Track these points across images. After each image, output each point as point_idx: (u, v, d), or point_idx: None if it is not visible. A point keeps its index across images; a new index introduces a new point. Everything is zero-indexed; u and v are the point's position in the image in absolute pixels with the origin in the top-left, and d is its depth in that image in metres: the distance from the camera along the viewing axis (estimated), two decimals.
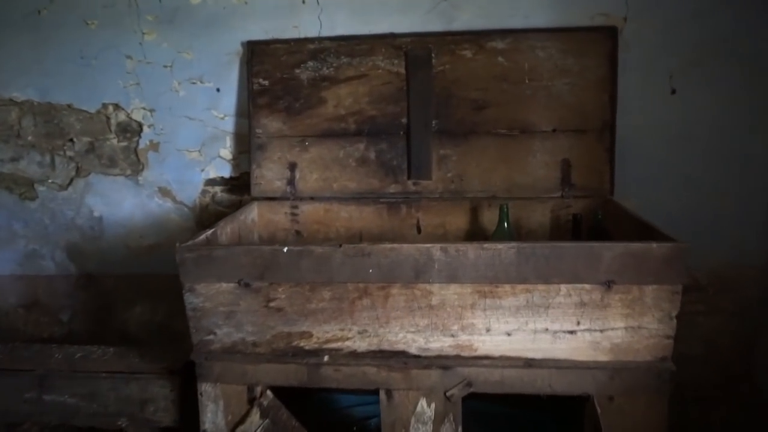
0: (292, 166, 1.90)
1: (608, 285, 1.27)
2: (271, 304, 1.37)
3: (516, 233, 1.77)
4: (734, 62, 1.78)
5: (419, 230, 1.86)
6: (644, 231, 1.40)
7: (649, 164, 1.86)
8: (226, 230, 1.61)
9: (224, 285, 1.37)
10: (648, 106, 1.84)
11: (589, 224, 1.61)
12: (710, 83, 1.80)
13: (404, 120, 1.85)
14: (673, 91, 1.83)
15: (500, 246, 1.29)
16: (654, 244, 1.25)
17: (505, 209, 1.66)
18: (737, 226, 1.87)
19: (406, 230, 1.87)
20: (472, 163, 1.83)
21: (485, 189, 1.83)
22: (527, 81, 1.79)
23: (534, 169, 1.81)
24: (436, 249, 1.30)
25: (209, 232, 1.50)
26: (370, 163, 1.87)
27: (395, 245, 1.32)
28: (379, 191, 1.88)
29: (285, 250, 1.34)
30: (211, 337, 1.41)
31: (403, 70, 1.83)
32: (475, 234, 1.84)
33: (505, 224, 1.67)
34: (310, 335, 1.38)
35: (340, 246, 1.33)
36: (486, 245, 1.29)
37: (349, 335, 1.37)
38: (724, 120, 1.82)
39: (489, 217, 1.82)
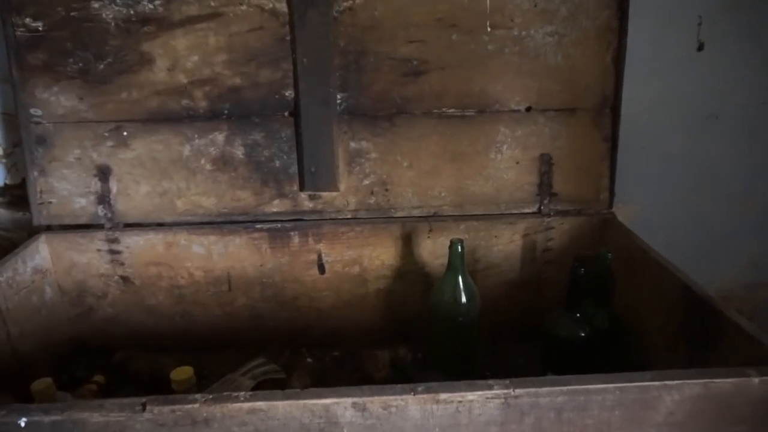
0: (104, 173, 1.13)
1: None
2: None
3: (472, 278, 1.14)
4: None
5: (322, 269, 1.18)
6: (672, 284, 0.82)
7: (657, 156, 1.27)
8: None
9: None
10: (663, 70, 1.21)
11: (589, 271, 1.01)
12: (752, 36, 1.20)
13: (289, 93, 1.11)
14: (701, 47, 1.20)
15: (472, 395, 0.65)
16: (755, 379, 0.66)
17: (459, 250, 1.02)
18: (760, 237, 1.35)
19: (300, 270, 1.18)
20: (402, 162, 1.15)
21: (423, 204, 1.17)
22: (489, 29, 1.09)
23: (498, 170, 1.16)
24: (343, 407, 0.64)
25: None
26: (237, 166, 1.14)
27: (262, 404, 0.64)
28: (255, 211, 1.16)
29: (22, 423, 0.63)
30: None
31: (284, 7, 1.07)
32: (410, 274, 1.19)
33: (459, 276, 1.03)
34: None
35: (143, 407, 0.63)
36: (444, 395, 0.65)
37: None
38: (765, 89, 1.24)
39: (430, 249, 1.17)
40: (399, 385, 0.65)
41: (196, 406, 0.63)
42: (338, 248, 1.17)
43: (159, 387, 1.11)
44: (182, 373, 0.78)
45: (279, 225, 1.15)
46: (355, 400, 0.64)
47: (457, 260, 1.03)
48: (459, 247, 1.02)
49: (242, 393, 0.64)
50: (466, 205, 1.17)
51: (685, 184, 1.29)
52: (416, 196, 1.16)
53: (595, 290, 1.00)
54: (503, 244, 1.18)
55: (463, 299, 1.03)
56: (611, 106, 1.14)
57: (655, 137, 1.25)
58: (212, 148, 1.12)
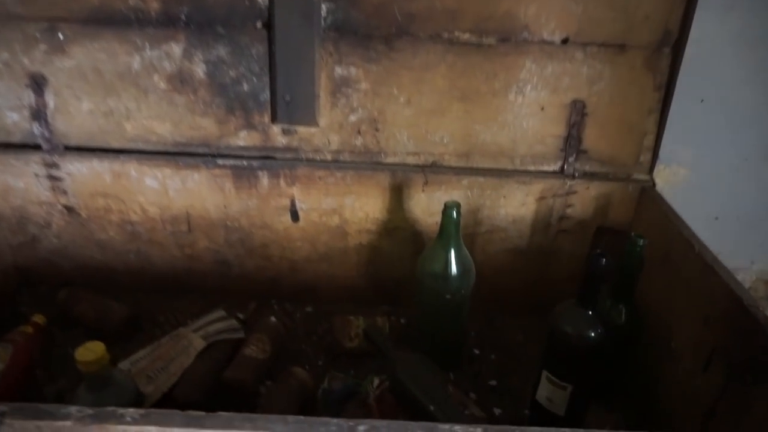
0: (38, 84, 0.94)
1: None
2: None
3: (471, 241, 0.95)
4: None
5: (295, 217, 1.01)
6: (715, 290, 0.63)
7: (719, 111, 1.02)
8: None
9: None
10: (745, 4, 0.94)
11: (610, 262, 0.81)
12: None
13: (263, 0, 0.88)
14: None
15: None
16: None
17: (453, 215, 0.82)
18: None
19: (270, 216, 1.01)
20: (398, 96, 0.93)
21: (420, 150, 0.96)
22: None
23: (517, 116, 0.93)
24: None
25: None
26: (197, 87, 0.93)
27: (153, 429, 0.48)
28: (218, 143, 0.97)
29: None
30: None
31: None
32: (399, 231, 1.01)
33: (451, 246, 0.84)
34: None
35: (1, 417, 0.49)
36: None
37: None
38: None
39: (425, 205, 0.98)
40: (336, 422, 0.49)
41: (69, 423, 0.48)
42: (315, 194, 0.98)
43: (104, 333, 0.99)
44: (89, 352, 0.64)
45: (245, 162, 0.96)
46: None
47: (450, 227, 0.84)
48: (454, 213, 0.82)
49: (131, 411, 0.49)
50: (472, 156, 0.96)
51: (751, 148, 1.04)
52: (413, 140, 0.95)
53: (617, 281, 0.81)
54: (513, 207, 0.98)
55: (453, 273, 0.85)
56: (673, 45, 0.88)
57: (720, 88, 0.99)
58: (167, 63, 0.91)
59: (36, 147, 0.98)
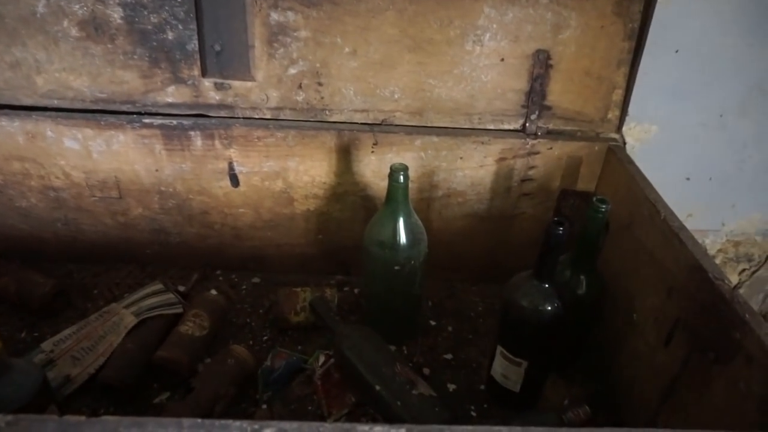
0: None
1: None
2: None
3: (427, 206, 0.88)
4: None
5: (235, 181, 0.92)
6: (679, 259, 0.58)
7: (696, 63, 0.94)
8: None
9: None
10: None
11: (569, 232, 0.74)
12: None
13: None
14: None
15: None
16: None
17: (401, 180, 0.75)
18: None
19: (208, 180, 0.92)
20: (343, 46, 0.83)
21: (369, 106, 0.87)
22: None
23: (474, 68, 0.85)
24: None
25: None
26: (115, 35, 0.82)
27: None
28: (143, 99, 0.87)
29: None
30: None
31: None
32: (348, 196, 0.93)
33: (399, 214, 0.77)
34: None
35: None
36: None
37: None
38: None
39: (375, 167, 0.90)
40: (237, 425, 0.42)
41: None
42: (255, 157, 0.89)
43: (28, 308, 0.91)
44: None
45: (175, 121, 0.87)
46: None
47: (397, 193, 0.76)
48: (401, 177, 0.74)
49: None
50: (426, 113, 0.88)
51: (727, 103, 0.97)
52: (360, 96, 0.86)
53: (578, 249, 0.75)
54: (471, 168, 0.90)
55: (402, 243, 0.78)
56: None
57: (696, 37, 0.91)
58: (77, 6, 0.80)
59: None
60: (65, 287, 0.94)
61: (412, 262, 0.80)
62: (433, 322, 0.94)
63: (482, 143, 0.88)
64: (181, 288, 0.97)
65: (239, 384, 0.80)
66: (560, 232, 0.64)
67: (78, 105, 0.87)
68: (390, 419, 0.74)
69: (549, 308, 0.69)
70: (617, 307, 0.79)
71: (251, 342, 0.90)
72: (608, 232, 0.78)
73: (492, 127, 0.88)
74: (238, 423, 0.42)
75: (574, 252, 0.76)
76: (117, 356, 0.81)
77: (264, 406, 0.80)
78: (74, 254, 1.01)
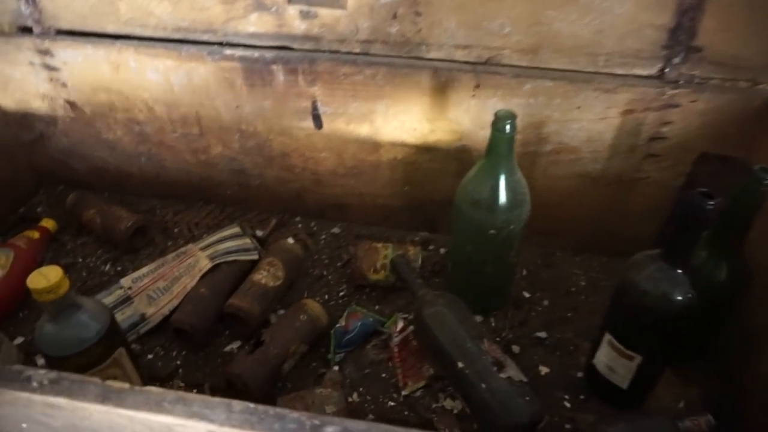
0: None
1: None
2: None
3: (531, 162, 0.76)
4: None
5: (318, 122, 0.84)
6: None
7: None
8: None
9: None
10: None
11: (717, 203, 0.59)
12: None
13: None
14: None
15: None
16: None
17: (506, 130, 0.63)
18: None
19: (289, 120, 0.85)
20: None
21: (473, 42, 0.75)
22: None
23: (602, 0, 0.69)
24: None
25: None
26: None
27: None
28: (224, 28, 0.80)
29: None
30: None
31: None
32: (440, 145, 0.82)
33: (501, 171, 0.66)
34: None
35: None
36: None
37: None
38: None
39: (475, 114, 0.78)
40: (295, 417, 0.35)
41: None
42: (340, 97, 0.81)
43: (112, 242, 0.91)
44: (41, 278, 0.53)
45: (257, 54, 0.79)
46: None
47: (501, 145, 0.65)
48: (507, 126, 0.63)
49: (41, 373, 0.38)
50: (541, 52, 0.74)
51: None
52: (463, 28, 0.74)
53: (721, 227, 0.61)
54: (589, 121, 0.76)
55: (501, 204, 0.67)
56: None
57: None
58: None
59: (27, 30, 0.85)
60: (147, 224, 0.93)
61: (511, 226, 0.69)
62: (526, 294, 0.83)
63: (606, 91, 0.73)
64: (259, 233, 0.93)
65: (310, 342, 0.75)
66: (709, 206, 0.50)
67: (159, 33, 0.81)
68: (471, 402, 0.66)
69: (679, 298, 0.56)
70: (762, 300, 0.64)
71: (326, 296, 0.84)
72: (761, 208, 0.62)
73: (620, 71, 0.73)
74: (295, 415, 0.35)
75: (715, 231, 0.62)
76: (190, 300, 0.78)
77: (335, 368, 0.74)
78: (157, 190, 1.00)
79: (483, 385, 0.63)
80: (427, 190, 0.88)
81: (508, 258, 0.74)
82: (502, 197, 0.67)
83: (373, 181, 0.89)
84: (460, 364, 0.65)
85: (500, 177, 0.66)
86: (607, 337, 0.64)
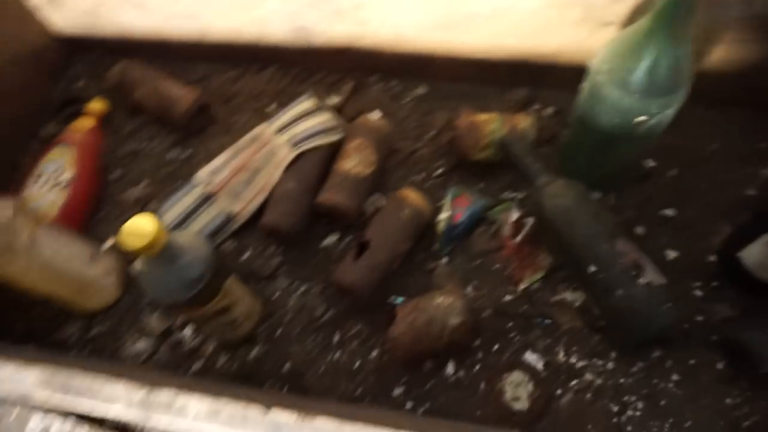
0: None
1: None
2: None
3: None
4: None
5: None
6: None
7: None
8: None
9: None
10: None
11: None
12: None
13: None
14: None
15: None
16: None
17: None
18: None
19: None
20: None
21: None
22: None
23: None
24: None
25: None
26: None
27: None
28: None
29: None
30: None
31: None
32: None
33: (670, 40, 0.50)
34: None
35: None
36: None
37: None
38: None
39: None
40: None
41: None
42: None
43: (169, 124, 0.82)
44: (136, 237, 0.45)
45: None
46: None
47: (668, 11, 0.48)
48: None
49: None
50: None
51: None
52: None
53: None
54: None
55: (660, 87, 0.53)
56: None
57: None
58: None
59: None
60: (207, 100, 0.82)
61: (668, 110, 0.56)
62: (651, 163, 0.73)
63: None
64: (334, 99, 0.81)
65: (416, 237, 0.69)
66: None
67: None
68: (603, 308, 0.61)
69: None
70: None
71: (423, 176, 0.76)
72: None
73: None
74: None
75: None
76: (280, 198, 0.71)
77: (444, 260, 0.70)
78: (204, 54, 0.85)
79: (619, 291, 0.58)
80: (537, 40, 0.72)
81: (648, 142, 0.62)
82: (667, 78, 0.53)
83: (466, 32, 0.73)
84: (593, 268, 0.59)
85: (667, 50, 0.51)
86: (767, 238, 0.56)
